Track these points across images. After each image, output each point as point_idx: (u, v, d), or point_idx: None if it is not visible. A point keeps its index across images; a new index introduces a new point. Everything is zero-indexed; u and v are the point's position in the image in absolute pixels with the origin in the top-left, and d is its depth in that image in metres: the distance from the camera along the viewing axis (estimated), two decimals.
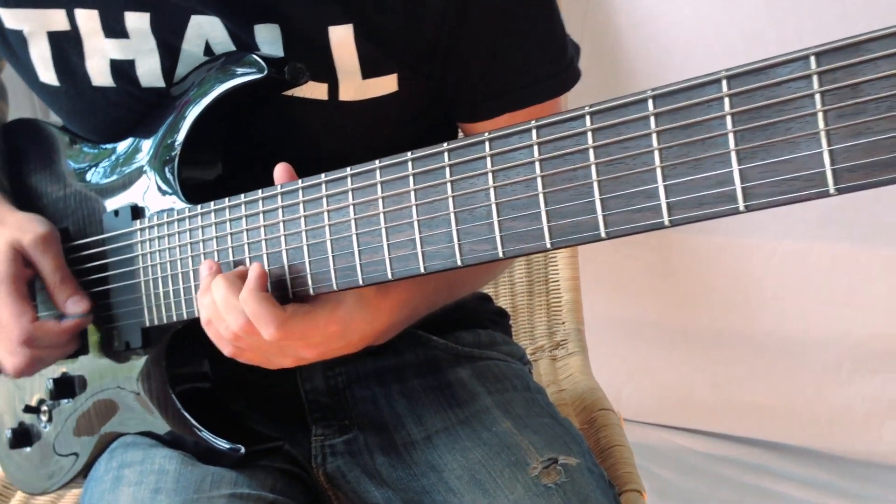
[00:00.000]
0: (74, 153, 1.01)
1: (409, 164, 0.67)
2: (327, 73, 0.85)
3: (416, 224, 0.67)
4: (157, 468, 0.85)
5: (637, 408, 1.95)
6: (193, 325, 0.87)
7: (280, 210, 0.76)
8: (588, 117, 0.57)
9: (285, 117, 0.89)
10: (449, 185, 0.65)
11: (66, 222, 0.99)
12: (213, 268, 0.79)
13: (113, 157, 0.96)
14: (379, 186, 0.69)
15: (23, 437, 1.07)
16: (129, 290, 0.91)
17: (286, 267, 0.76)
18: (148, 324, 0.90)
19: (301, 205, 0.74)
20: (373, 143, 0.93)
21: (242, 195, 0.79)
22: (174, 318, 0.87)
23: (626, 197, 0.56)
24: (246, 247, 0.79)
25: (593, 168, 0.57)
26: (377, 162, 0.69)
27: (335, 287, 0.73)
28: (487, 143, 0.62)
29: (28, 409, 1.06)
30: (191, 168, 0.87)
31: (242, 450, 0.86)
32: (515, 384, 1.04)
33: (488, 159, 0.62)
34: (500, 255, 0.62)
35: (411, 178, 0.67)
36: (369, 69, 0.86)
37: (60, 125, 1.03)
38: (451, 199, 0.65)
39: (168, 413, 0.90)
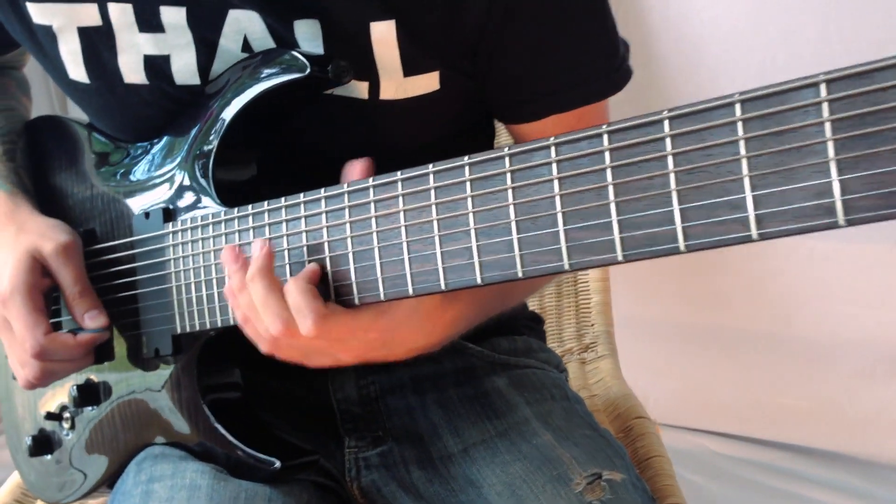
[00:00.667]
0: (102, 152, 0.97)
1: (466, 169, 0.63)
2: (368, 71, 0.82)
3: (472, 232, 0.63)
4: (189, 483, 0.81)
5: (663, 410, 1.90)
6: (226, 332, 0.83)
7: (324, 215, 0.72)
8: (667, 122, 0.53)
9: (323, 117, 0.85)
10: (510, 191, 0.61)
11: (93, 224, 0.96)
12: (240, 259, 0.75)
13: (143, 157, 0.92)
14: (433, 192, 0.65)
15: (43, 444, 1.04)
16: (159, 296, 0.88)
17: (330, 274, 0.72)
18: (179, 330, 0.86)
19: (346, 210, 0.71)
20: (413, 143, 0.90)
21: (283, 199, 0.75)
22: (207, 326, 0.83)
23: (709, 208, 0.52)
24: (286, 253, 0.75)
25: (672, 176, 0.53)
26: (430, 166, 0.65)
27: (382, 297, 0.69)
28: (553, 149, 0.58)
29: (50, 415, 1.02)
30: (226, 169, 0.84)
31: (278, 464, 0.82)
32: (554, 393, 1.00)
33: (554, 165, 0.59)
34: (566, 266, 0.58)
35: (468, 184, 0.63)
36: (411, 67, 0.82)
37: (86, 122, 1.00)
38: (511, 207, 0.61)
39: (199, 424, 0.87)
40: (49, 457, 1.05)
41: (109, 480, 0.98)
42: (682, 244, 0.53)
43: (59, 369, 0.92)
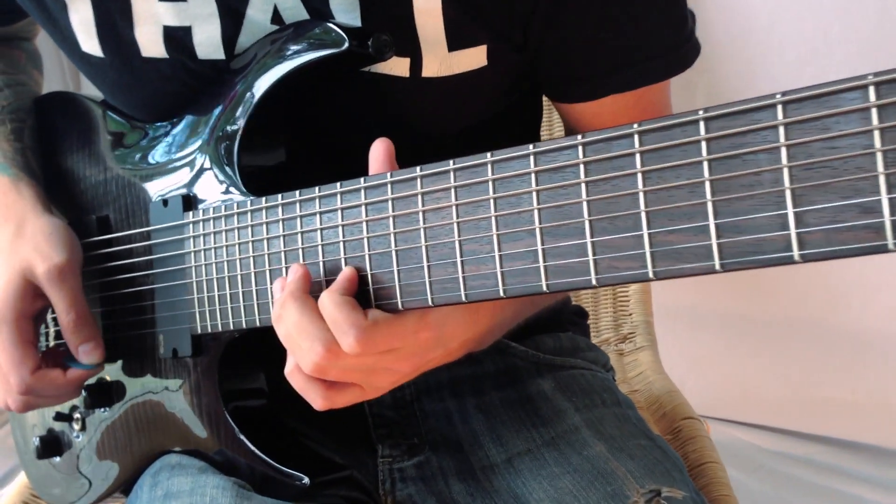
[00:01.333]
0: (117, 132, 0.89)
1: (531, 159, 0.55)
2: (410, 46, 0.73)
3: (538, 232, 0.55)
4: (209, 502, 0.74)
5: (700, 401, 1.81)
6: (250, 333, 0.76)
7: (363, 208, 0.64)
8: (780, 107, 0.45)
9: (359, 97, 0.77)
10: (583, 186, 0.53)
11: (107, 210, 0.88)
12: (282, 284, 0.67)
13: (162, 139, 0.84)
14: (490, 185, 0.57)
15: (52, 445, 0.97)
16: (178, 292, 0.80)
17: (369, 276, 0.64)
18: (199, 331, 0.78)
19: (390, 203, 0.62)
20: (455, 126, 0.82)
21: (317, 188, 0.67)
22: (230, 327, 0.75)
23: (833, 210, 0.44)
24: (319, 249, 0.67)
25: (785, 172, 0.45)
26: (489, 155, 0.57)
27: (430, 301, 0.61)
28: (637, 137, 0.50)
29: (59, 416, 0.95)
30: (252, 154, 0.76)
31: (307, 480, 0.74)
32: (604, 398, 0.92)
33: (637, 157, 0.50)
34: (650, 275, 0.50)
35: (533, 177, 0.55)
36: (456, 40, 0.74)
37: (100, 99, 0.92)
38: (585, 205, 0.53)
39: (220, 433, 0.79)
40: (58, 459, 0.98)
41: (122, 487, 0.92)
42: (796, 252, 0.45)
43: (44, 404, 0.88)
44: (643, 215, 0.50)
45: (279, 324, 0.65)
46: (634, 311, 1.52)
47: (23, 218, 0.86)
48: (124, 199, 0.86)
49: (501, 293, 0.57)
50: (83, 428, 0.94)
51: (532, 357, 0.94)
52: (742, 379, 1.90)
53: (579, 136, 0.52)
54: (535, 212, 0.55)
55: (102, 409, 0.91)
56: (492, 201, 0.57)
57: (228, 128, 0.76)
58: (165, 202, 0.81)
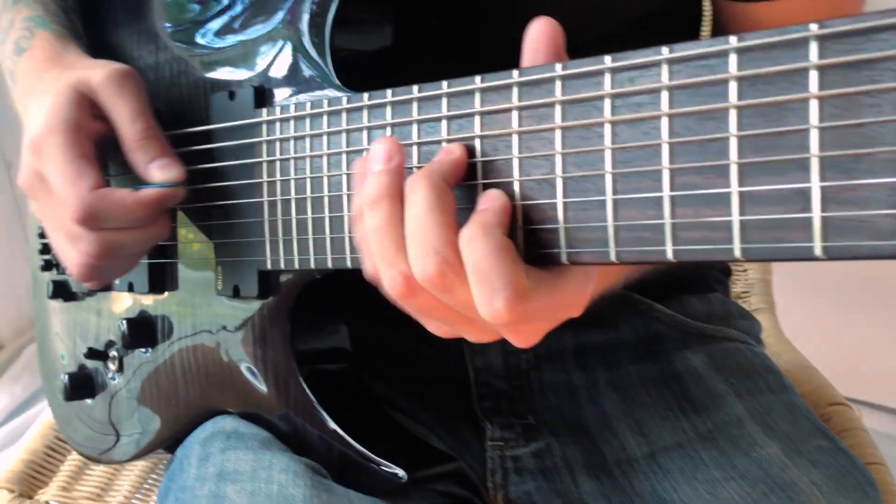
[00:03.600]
0: (173, 4, 0.70)
1: (813, 46, 0.34)
2: None
3: (815, 163, 0.34)
4: (276, 492, 0.55)
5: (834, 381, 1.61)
6: (334, 275, 0.57)
7: (514, 114, 0.44)
8: None
9: None
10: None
11: (157, 102, 0.69)
12: (397, 156, 0.47)
13: (229, 13, 0.65)
14: (733, 86, 0.36)
15: (82, 385, 0.80)
16: (245, 212, 0.62)
17: (519, 211, 0.44)
18: (270, 266, 0.60)
19: (558, 108, 0.42)
20: (607, 20, 0.63)
21: (444, 82, 0.48)
22: (310, 265, 0.56)
23: None
24: None
25: None
26: (734, 39, 0.36)
27: (612, 256, 0.41)
28: None
29: (92, 352, 0.78)
30: (349, 35, 0.57)
31: (403, 475, 0.56)
32: (770, 381, 0.73)
33: None
34: None
35: (815, 74, 0.34)
36: None
37: None
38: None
39: (290, 399, 0.61)
40: (90, 401, 0.81)
41: (166, 444, 0.75)
42: None
43: (120, 243, 0.62)
44: None
45: (376, 206, 0.45)
46: (750, 268, 1.31)
47: (71, 62, 0.66)
48: (179, 89, 0.68)
49: (737, 252, 0.37)
50: (120, 369, 0.77)
51: (680, 323, 0.74)
52: (869, 354, 1.68)
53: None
54: (812, 132, 0.34)
55: (143, 350, 0.74)
56: (733, 112, 0.36)
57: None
58: (232, 94, 0.62)
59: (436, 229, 0.42)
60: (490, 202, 0.43)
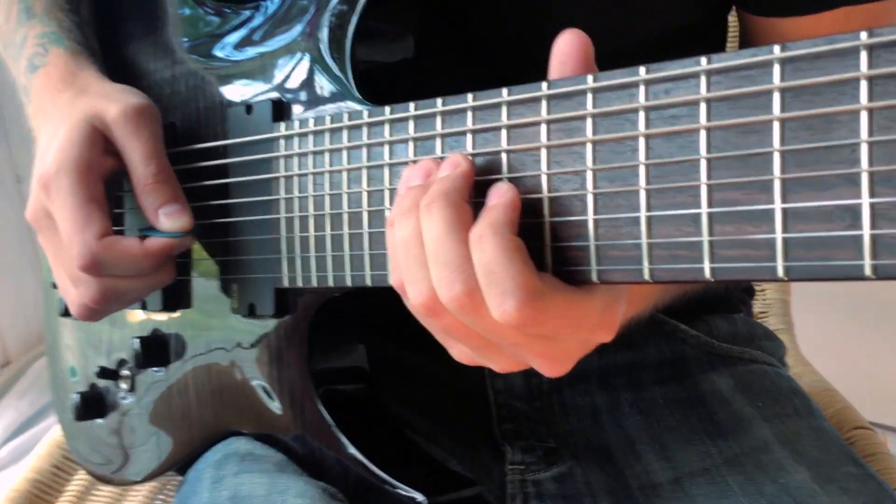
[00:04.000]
0: (191, 16, 0.69)
1: (864, 55, 0.33)
2: None
3: (864, 178, 0.33)
4: None
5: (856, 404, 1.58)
6: (353, 294, 0.56)
7: (543, 128, 0.43)
8: None
9: None
10: None
11: (172, 116, 0.68)
12: (425, 173, 0.46)
13: (247, 26, 0.64)
14: (776, 97, 0.35)
15: (94, 405, 0.79)
16: (261, 229, 0.60)
17: (546, 226, 0.43)
18: (286, 283, 0.58)
19: (588, 121, 0.41)
20: (634, 36, 0.62)
21: (469, 95, 0.46)
22: (328, 283, 0.55)
23: None
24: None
25: None
26: (776, 49, 0.35)
27: (646, 275, 0.40)
28: None
29: (104, 372, 0.77)
30: (370, 47, 0.55)
31: (424, 501, 0.55)
32: (796, 405, 0.71)
33: None
34: None
35: (865, 85, 0.33)
36: None
37: None
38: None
39: (307, 421, 0.60)
40: (101, 420, 0.79)
41: (177, 466, 0.73)
42: None
43: (123, 289, 0.62)
44: None
45: (404, 220, 0.44)
46: (768, 287, 1.29)
47: (86, 85, 0.65)
48: (196, 103, 0.66)
49: (780, 271, 0.35)
50: (132, 388, 0.75)
51: (705, 345, 0.72)
52: (883, 373, 1.65)
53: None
54: (863, 146, 0.33)
55: (156, 369, 0.72)
56: (776, 125, 0.35)
57: (339, 7, 0.55)
58: (249, 108, 0.61)
59: (457, 249, 0.41)
60: (499, 197, 0.42)
